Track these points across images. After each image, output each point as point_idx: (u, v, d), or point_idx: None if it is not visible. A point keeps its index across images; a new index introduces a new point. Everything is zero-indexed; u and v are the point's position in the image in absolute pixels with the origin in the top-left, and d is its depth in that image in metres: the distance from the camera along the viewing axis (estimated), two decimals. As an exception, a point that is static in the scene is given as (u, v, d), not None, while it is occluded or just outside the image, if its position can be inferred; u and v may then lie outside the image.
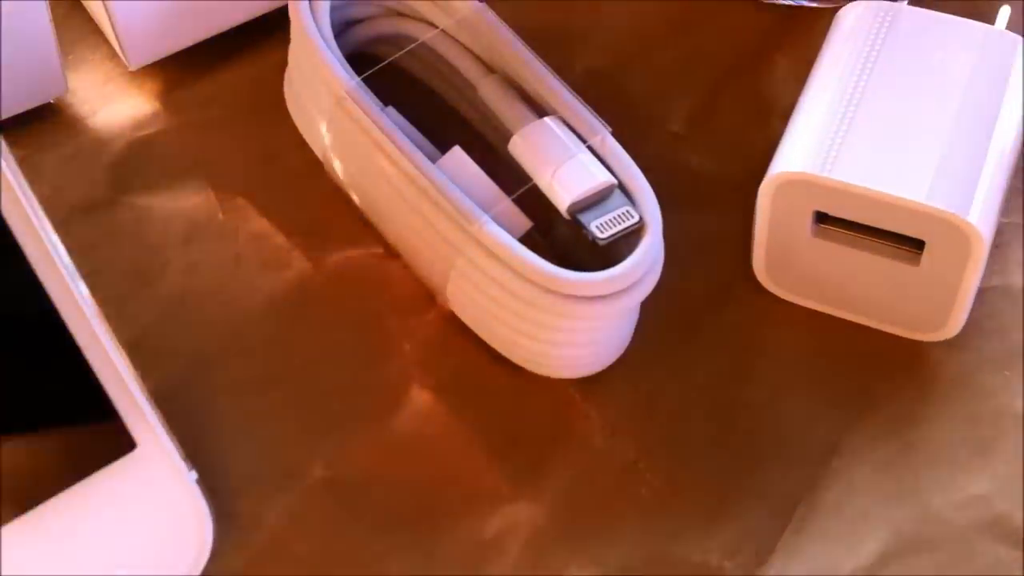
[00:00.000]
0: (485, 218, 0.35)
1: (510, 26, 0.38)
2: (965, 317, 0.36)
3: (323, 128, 0.38)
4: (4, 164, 0.33)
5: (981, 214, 0.34)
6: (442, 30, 0.39)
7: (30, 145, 0.40)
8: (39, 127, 0.40)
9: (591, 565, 0.34)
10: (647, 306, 0.37)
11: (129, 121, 0.41)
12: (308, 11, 0.38)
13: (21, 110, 0.40)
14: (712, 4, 0.43)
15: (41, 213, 0.33)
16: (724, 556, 0.34)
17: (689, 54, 0.43)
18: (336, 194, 0.39)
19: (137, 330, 0.37)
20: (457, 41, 0.39)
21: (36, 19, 0.38)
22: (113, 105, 0.41)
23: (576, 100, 0.37)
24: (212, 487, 0.34)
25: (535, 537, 0.35)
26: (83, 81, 0.42)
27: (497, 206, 0.36)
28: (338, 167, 0.38)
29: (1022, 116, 0.37)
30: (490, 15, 0.38)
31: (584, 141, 0.36)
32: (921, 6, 0.39)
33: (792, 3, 0.43)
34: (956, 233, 0.34)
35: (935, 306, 0.36)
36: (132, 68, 0.41)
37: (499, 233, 0.35)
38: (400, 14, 0.40)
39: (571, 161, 0.36)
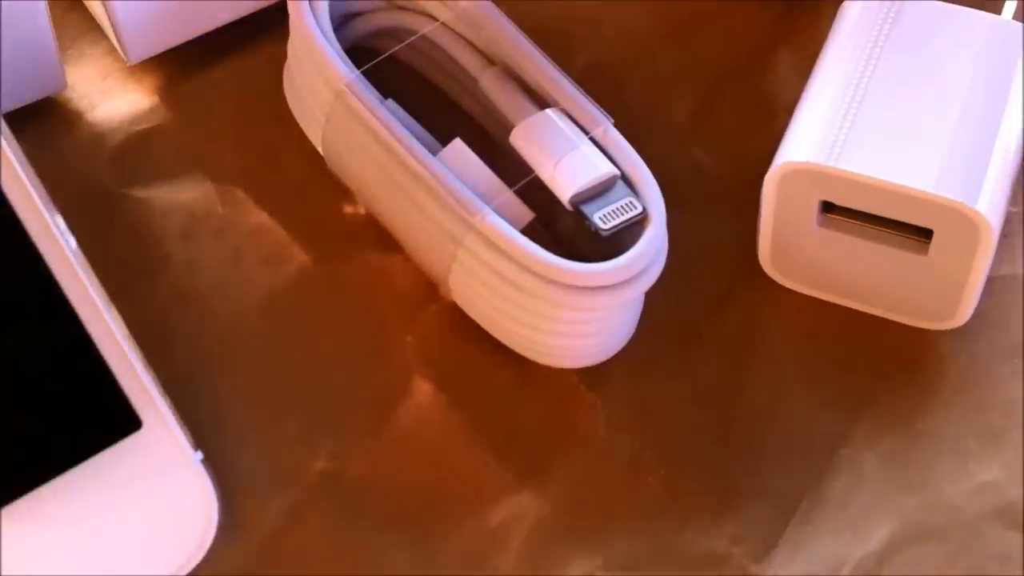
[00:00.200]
0: (487, 209, 0.35)
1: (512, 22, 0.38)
2: (974, 307, 0.36)
3: (323, 122, 0.38)
4: (4, 142, 0.33)
5: (989, 203, 0.34)
6: (442, 23, 0.39)
7: (29, 140, 0.39)
8: (38, 122, 0.40)
9: (595, 556, 0.34)
10: (650, 299, 0.37)
11: (128, 116, 0.41)
12: (307, 5, 0.38)
13: (20, 105, 0.40)
14: (715, 1, 0.43)
15: (40, 190, 0.33)
16: (732, 544, 0.34)
17: (692, 50, 0.42)
18: (336, 187, 0.39)
19: (136, 325, 0.36)
20: (458, 34, 0.39)
21: (35, 15, 0.38)
22: (112, 100, 0.41)
23: (578, 92, 0.37)
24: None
25: (539, 529, 0.34)
26: (82, 76, 0.41)
27: (499, 198, 0.35)
28: (338, 160, 0.38)
29: (1029, 105, 0.36)
30: (491, 8, 0.38)
31: (586, 132, 0.36)
32: (926, -4, 0.38)
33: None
34: (964, 222, 0.34)
35: (943, 296, 0.36)
36: (131, 63, 0.41)
37: (501, 224, 0.34)
38: (400, 7, 0.40)
39: (573, 152, 0.36)
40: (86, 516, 0.32)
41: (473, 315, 0.37)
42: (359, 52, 0.38)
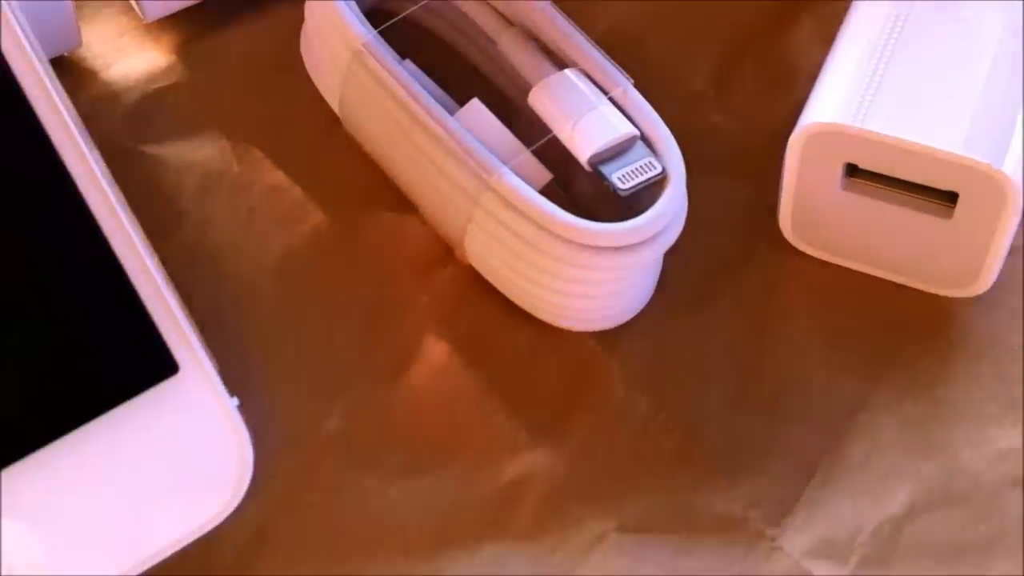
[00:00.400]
0: (504, 169, 0.34)
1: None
2: (996, 273, 0.36)
3: (340, 82, 0.38)
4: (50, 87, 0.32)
5: (1016, 165, 0.34)
6: (461, -16, 0.39)
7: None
8: (53, 80, 0.40)
9: (609, 517, 0.34)
10: (668, 263, 0.37)
11: (144, 74, 0.40)
12: (325, -35, 0.38)
13: (35, 63, 0.40)
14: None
15: (82, 129, 0.33)
16: (748, 507, 0.34)
17: (712, 14, 0.42)
18: (352, 148, 0.39)
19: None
20: (476, -5, 0.39)
21: (50, -28, 0.38)
22: (128, 58, 0.41)
23: (597, 52, 0.36)
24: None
25: (553, 488, 0.34)
26: (97, 34, 0.41)
27: (517, 157, 0.35)
28: (355, 120, 0.38)
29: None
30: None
31: (605, 93, 0.36)
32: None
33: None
34: (990, 184, 0.34)
35: (966, 262, 0.36)
36: (147, 21, 0.41)
37: (518, 183, 0.34)
38: (419, -32, 0.40)
39: (592, 112, 0.35)
40: (120, 460, 0.32)
41: (489, 277, 0.36)
42: (376, 15, 0.38)
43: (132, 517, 0.32)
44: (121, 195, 0.33)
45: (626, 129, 0.35)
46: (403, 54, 0.37)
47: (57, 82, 0.33)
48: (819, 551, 0.33)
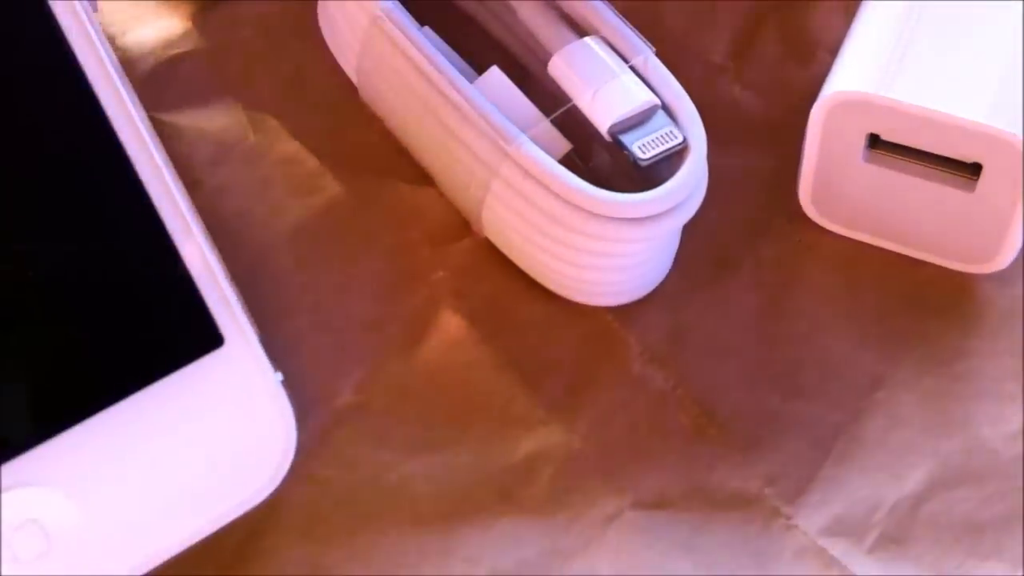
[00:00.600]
0: (523, 138, 0.34)
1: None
2: (1018, 249, 0.35)
3: (357, 49, 0.37)
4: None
5: (1041, 136, 0.33)
6: (480, -48, 0.38)
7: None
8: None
9: (625, 494, 0.33)
10: (685, 238, 0.36)
11: (159, 41, 0.40)
12: (343, -68, 0.37)
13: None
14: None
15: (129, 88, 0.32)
16: (764, 484, 0.34)
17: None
18: (369, 118, 0.38)
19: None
20: (495, -38, 0.38)
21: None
22: (143, 25, 0.40)
23: (618, 19, 0.36)
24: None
25: (568, 464, 0.34)
26: (113, 1, 0.41)
27: (536, 127, 0.35)
28: (372, 89, 0.37)
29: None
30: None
31: (626, 61, 0.35)
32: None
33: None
34: (1015, 155, 0.33)
35: (987, 236, 0.35)
36: (163, -13, 0.40)
37: (538, 153, 0.34)
38: (438, -64, 0.39)
39: (613, 81, 0.35)
40: (163, 434, 0.31)
41: (505, 250, 0.36)
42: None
43: (174, 492, 0.31)
44: (169, 161, 0.33)
45: (647, 98, 0.35)
46: (422, 22, 0.37)
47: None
48: (836, 529, 0.33)
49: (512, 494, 0.34)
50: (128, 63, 0.40)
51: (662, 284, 0.36)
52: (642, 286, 0.36)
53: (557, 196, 0.34)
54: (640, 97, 0.34)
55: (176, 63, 0.40)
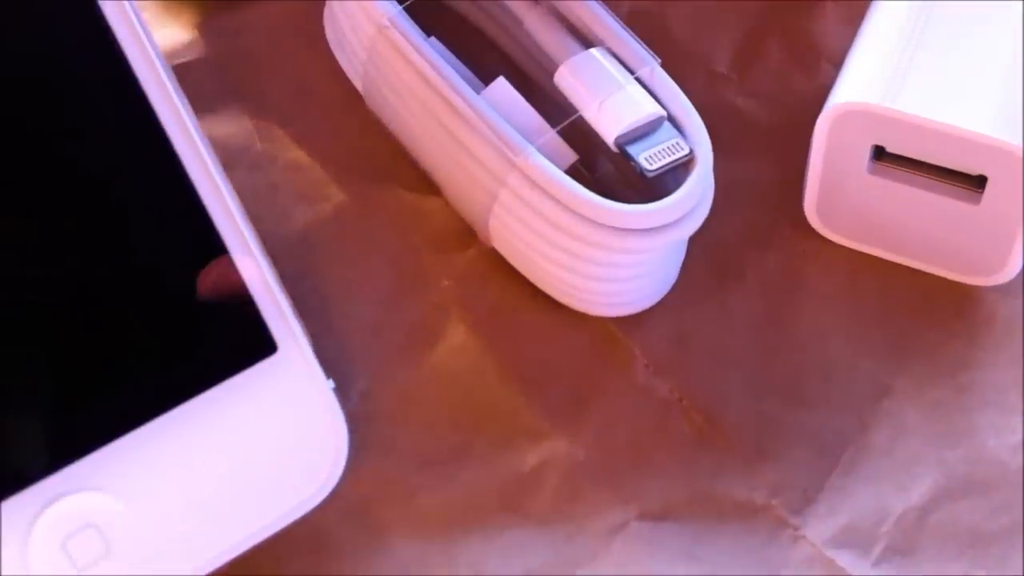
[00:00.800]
0: (530, 148, 0.34)
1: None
2: (1022, 261, 0.35)
3: (364, 59, 0.37)
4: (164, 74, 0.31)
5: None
6: (486, -37, 0.38)
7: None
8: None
9: (630, 505, 0.34)
10: (689, 247, 0.36)
11: (165, 49, 0.40)
12: (350, -59, 0.37)
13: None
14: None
15: (185, 102, 0.32)
16: (770, 494, 0.34)
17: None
18: (375, 126, 0.38)
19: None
20: (502, -27, 0.38)
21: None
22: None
23: (624, 30, 0.36)
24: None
25: (573, 473, 0.34)
26: (118, 8, 0.41)
27: (542, 137, 0.35)
28: (378, 98, 0.37)
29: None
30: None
31: (632, 72, 0.35)
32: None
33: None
34: (1020, 167, 0.33)
35: (992, 249, 0.35)
36: (169, -5, 0.41)
37: (544, 163, 0.34)
38: (444, -54, 0.39)
39: (619, 92, 0.35)
40: (216, 441, 0.31)
41: (512, 260, 0.36)
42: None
43: (226, 499, 0.31)
44: (222, 169, 0.32)
45: (653, 109, 0.35)
46: (428, 32, 0.37)
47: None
48: (842, 539, 0.33)
49: (517, 504, 0.34)
50: (134, 71, 0.40)
51: (666, 295, 0.36)
52: (647, 297, 0.36)
53: (564, 206, 0.34)
54: (646, 108, 0.35)
55: (182, 71, 0.40)
